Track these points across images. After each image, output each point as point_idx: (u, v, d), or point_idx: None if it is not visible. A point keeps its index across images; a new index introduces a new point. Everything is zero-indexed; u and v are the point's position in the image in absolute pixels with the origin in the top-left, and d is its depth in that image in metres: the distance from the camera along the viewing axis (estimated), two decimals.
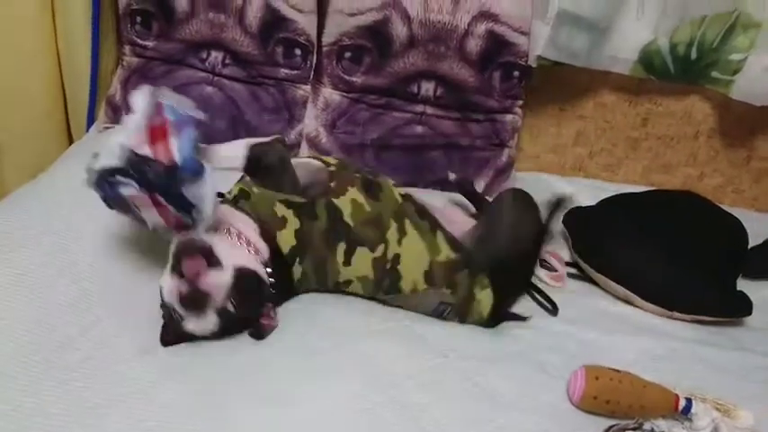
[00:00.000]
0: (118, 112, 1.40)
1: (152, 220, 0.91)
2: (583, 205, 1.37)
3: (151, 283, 1.02)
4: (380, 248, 1.01)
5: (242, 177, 1.06)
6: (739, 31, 1.33)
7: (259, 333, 0.96)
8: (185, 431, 0.83)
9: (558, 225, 1.21)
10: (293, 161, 1.08)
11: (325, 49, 1.35)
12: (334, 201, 1.01)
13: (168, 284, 0.89)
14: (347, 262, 1.01)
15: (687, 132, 1.50)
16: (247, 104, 1.38)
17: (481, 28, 1.32)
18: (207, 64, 1.38)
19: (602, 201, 1.37)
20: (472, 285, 1.03)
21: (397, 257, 1.01)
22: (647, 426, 0.90)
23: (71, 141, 1.51)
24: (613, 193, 1.40)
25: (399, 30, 1.31)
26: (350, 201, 1.02)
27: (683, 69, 1.39)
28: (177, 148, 0.88)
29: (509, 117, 1.43)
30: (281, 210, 0.99)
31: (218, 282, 0.89)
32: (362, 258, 1.01)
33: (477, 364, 0.98)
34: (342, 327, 1.01)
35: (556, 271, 1.23)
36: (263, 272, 0.96)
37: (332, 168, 1.07)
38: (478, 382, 0.96)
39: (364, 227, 1.01)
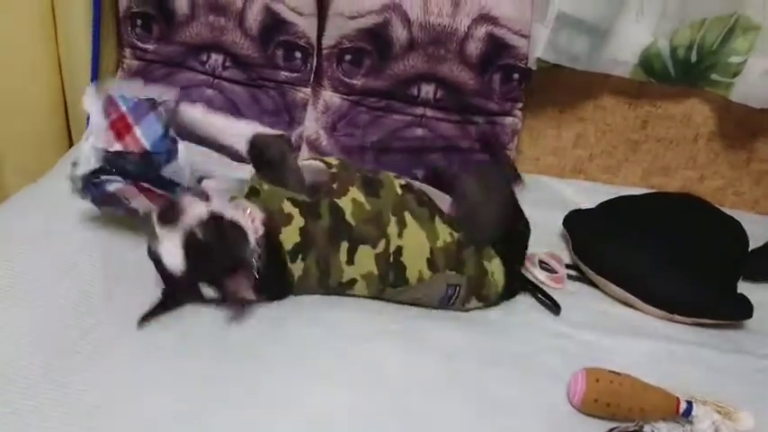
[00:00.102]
0: None
1: (142, 206, 0.97)
2: (583, 208, 1.37)
3: (152, 286, 1.03)
4: (382, 244, 1.03)
5: (252, 175, 1.08)
6: (738, 34, 1.33)
7: (225, 298, 0.95)
8: None
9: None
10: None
11: (325, 51, 1.35)
12: (337, 201, 1.03)
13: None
14: (350, 261, 1.02)
15: (687, 135, 1.50)
16: (247, 107, 1.39)
17: (481, 31, 1.32)
18: (207, 67, 1.39)
19: (602, 203, 1.37)
20: (480, 259, 1.06)
21: (399, 250, 1.03)
22: (647, 428, 0.90)
23: (71, 145, 1.51)
24: (613, 196, 1.40)
25: (399, 32, 1.32)
26: (351, 200, 1.03)
27: (683, 72, 1.39)
28: (143, 135, 0.94)
29: (509, 119, 1.43)
30: (287, 207, 1.02)
31: (197, 207, 0.93)
32: (365, 256, 1.02)
33: (479, 366, 0.98)
34: (343, 330, 1.01)
35: (556, 273, 1.23)
36: (253, 237, 0.96)
37: (333, 170, 1.08)
38: (480, 385, 0.95)
39: (365, 225, 1.03)
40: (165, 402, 0.86)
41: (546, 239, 1.32)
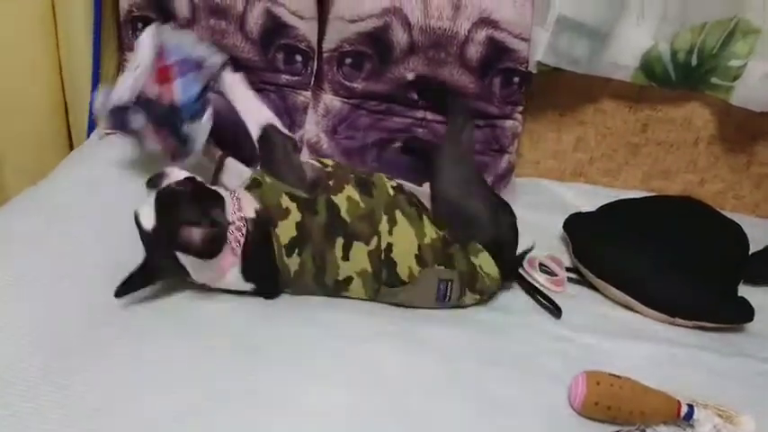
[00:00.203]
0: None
1: (152, 147, 1.08)
2: (583, 211, 1.37)
3: (155, 289, 1.03)
4: (374, 241, 1.05)
5: (256, 168, 1.12)
6: (738, 38, 1.33)
7: (174, 238, 0.96)
8: None
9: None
10: None
11: (325, 55, 1.35)
12: (333, 198, 1.06)
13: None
14: (345, 257, 1.04)
15: (687, 138, 1.50)
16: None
17: (481, 34, 1.32)
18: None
19: (602, 206, 1.37)
20: (467, 255, 1.07)
21: (389, 246, 1.05)
22: None
23: (71, 147, 1.51)
24: (614, 199, 1.40)
25: (400, 36, 1.32)
26: (346, 198, 1.06)
27: (683, 76, 1.39)
28: (180, 90, 1.01)
29: (509, 123, 1.43)
30: (285, 201, 1.04)
31: (180, 173, 1.00)
32: (359, 252, 1.04)
33: (479, 368, 0.98)
34: (341, 330, 1.01)
35: (556, 276, 1.23)
36: (230, 208, 1.00)
37: (329, 169, 1.12)
38: (479, 387, 0.95)
39: (359, 222, 1.05)
40: (164, 403, 0.86)
41: (546, 242, 1.32)
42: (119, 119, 1.06)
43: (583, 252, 1.26)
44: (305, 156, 1.40)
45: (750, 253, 1.31)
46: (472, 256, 1.08)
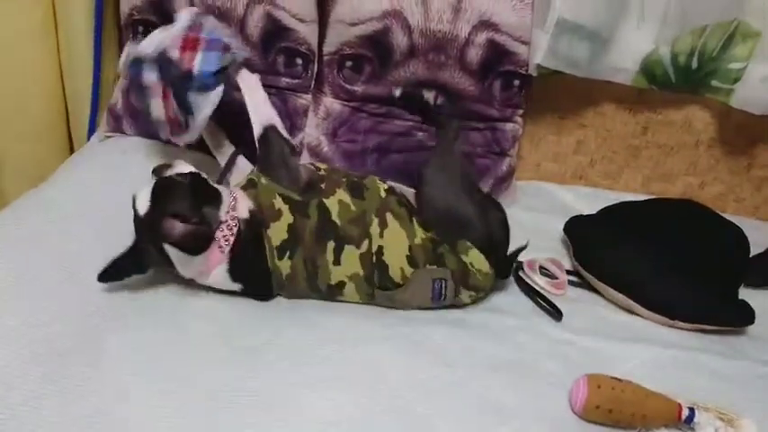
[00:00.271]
0: (119, 121, 1.40)
1: (156, 111, 1.11)
2: (584, 214, 1.37)
3: (154, 292, 1.03)
4: (365, 244, 1.05)
5: (253, 169, 1.13)
6: (738, 41, 1.33)
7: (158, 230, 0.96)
8: None
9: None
10: None
11: (326, 58, 1.35)
12: (325, 201, 1.06)
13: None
14: (337, 261, 1.04)
15: (687, 141, 1.50)
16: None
17: (481, 37, 1.32)
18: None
19: (602, 209, 1.37)
20: (457, 255, 1.07)
21: (380, 249, 1.05)
22: None
23: (72, 151, 1.52)
24: (614, 202, 1.40)
25: (400, 39, 1.32)
26: (337, 201, 1.07)
27: (683, 79, 1.39)
28: (199, 61, 1.07)
29: (509, 126, 1.43)
30: (278, 203, 1.05)
31: (185, 167, 1.04)
32: (350, 256, 1.04)
33: (479, 371, 0.98)
34: (342, 333, 1.01)
35: (557, 279, 1.23)
36: (225, 207, 1.01)
37: (322, 173, 1.13)
38: (480, 391, 0.95)
39: (350, 225, 1.05)
40: (164, 406, 0.85)
41: (547, 245, 1.33)
42: (135, 71, 1.10)
43: (583, 255, 1.26)
44: (305, 159, 1.40)
45: (751, 256, 1.30)
46: (462, 254, 1.08)
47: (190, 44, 1.09)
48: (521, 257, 1.23)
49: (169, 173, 1.02)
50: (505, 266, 1.15)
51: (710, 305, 1.17)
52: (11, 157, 1.46)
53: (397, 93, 1.33)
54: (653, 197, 1.49)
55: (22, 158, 1.46)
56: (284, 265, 1.03)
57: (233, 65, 1.13)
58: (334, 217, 1.05)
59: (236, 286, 1.04)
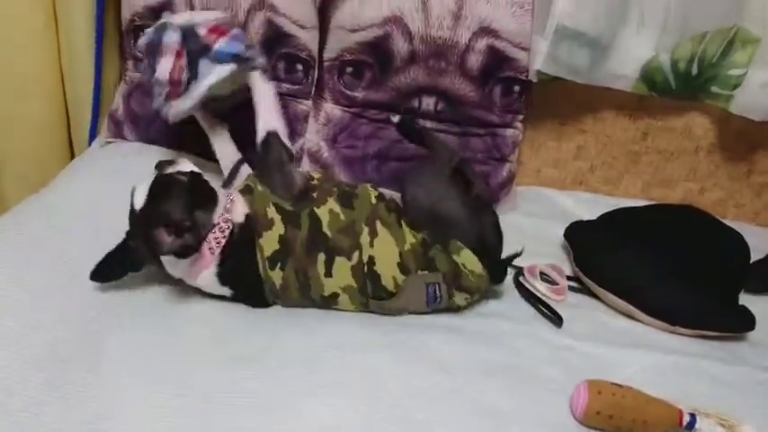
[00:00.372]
0: (120, 127, 1.41)
1: (162, 69, 1.13)
2: (584, 219, 1.37)
3: (154, 297, 1.03)
4: (356, 255, 1.04)
5: (249, 174, 1.14)
6: (738, 47, 1.34)
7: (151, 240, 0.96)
8: None
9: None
10: None
11: (326, 64, 1.36)
12: (316, 210, 1.06)
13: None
14: (328, 273, 1.03)
15: (687, 147, 1.50)
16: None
17: (482, 43, 1.33)
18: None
19: (603, 215, 1.37)
20: (449, 255, 1.06)
21: (371, 259, 1.04)
22: None
23: (73, 156, 1.52)
24: (614, 208, 1.40)
25: (400, 45, 1.32)
26: (328, 211, 1.06)
27: (684, 85, 1.39)
28: (222, 42, 1.13)
29: (509, 131, 1.43)
30: (271, 212, 1.04)
31: (188, 165, 1.04)
32: (342, 268, 1.04)
33: (478, 377, 0.98)
34: (342, 341, 1.01)
35: (557, 284, 1.23)
36: (219, 210, 1.01)
37: (315, 182, 1.12)
38: (480, 397, 0.95)
39: (340, 235, 1.05)
40: (165, 411, 0.85)
41: (547, 251, 1.32)
42: (157, 33, 1.15)
43: (584, 260, 1.26)
44: (306, 165, 1.40)
45: (751, 262, 1.30)
46: (454, 254, 1.06)
47: (218, 30, 1.15)
48: (521, 263, 1.23)
49: (171, 170, 1.02)
50: (499, 271, 1.13)
51: (711, 311, 1.17)
52: (12, 162, 1.46)
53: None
54: (653, 203, 1.49)
55: (23, 164, 1.46)
56: (276, 276, 1.03)
57: (251, 62, 1.16)
58: (325, 228, 1.04)
59: (226, 291, 1.03)
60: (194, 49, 1.13)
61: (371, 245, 1.05)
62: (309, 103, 1.40)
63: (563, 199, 1.52)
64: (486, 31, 1.32)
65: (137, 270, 1.02)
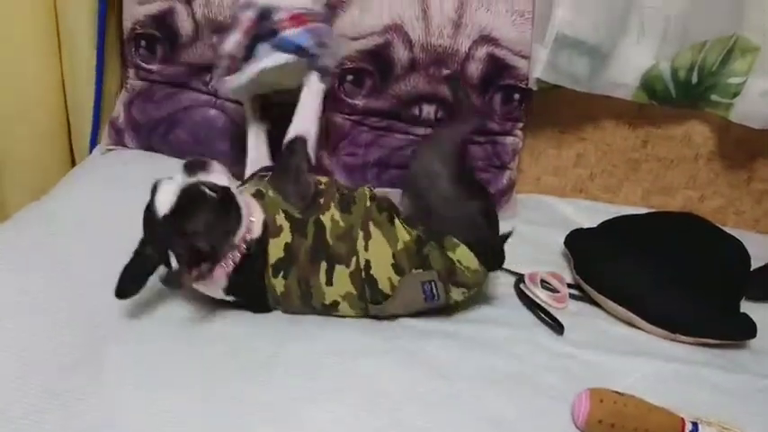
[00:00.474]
0: (121, 134, 1.41)
1: (229, 43, 1.14)
2: (584, 227, 1.37)
3: (155, 305, 1.03)
4: (353, 262, 1.03)
5: (263, 177, 1.12)
6: (737, 55, 1.34)
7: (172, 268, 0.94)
8: None
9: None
10: None
11: None
12: (321, 217, 1.05)
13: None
14: (329, 281, 1.03)
15: (687, 155, 1.51)
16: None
17: (482, 51, 1.33)
18: (210, 87, 1.40)
19: (603, 222, 1.37)
20: (444, 252, 1.04)
21: (367, 263, 1.03)
22: None
23: (74, 163, 1.52)
24: (614, 215, 1.40)
25: (401, 53, 1.33)
26: (330, 218, 1.05)
27: (684, 93, 1.40)
28: (292, 32, 1.10)
29: (510, 139, 1.44)
30: (280, 219, 1.03)
31: (221, 176, 0.99)
32: (341, 276, 1.03)
33: (479, 385, 0.98)
34: (342, 347, 1.00)
35: (558, 292, 1.23)
36: (242, 229, 0.98)
37: (322, 186, 1.11)
38: (480, 404, 0.95)
39: (339, 242, 1.04)
40: (165, 419, 0.85)
41: (547, 258, 1.33)
42: (240, 7, 1.15)
43: (584, 268, 1.25)
44: None
45: (751, 269, 1.30)
46: (449, 251, 1.05)
47: (299, 19, 1.11)
48: (521, 270, 1.24)
49: (202, 176, 0.97)
50: (492, 257, 1.10)
51: (711, 319, 1.17)
52: (13, 169, 1.46)
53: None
54: (653, 210, 1.49)
55: (24, 171, 1.46)
56: (278, 284, 1.02)
57: (313, 59, 1.12)
58: (328, 236, 1.04)
59: (229, 298, 1.03)
60: (262, 30, 1.11)
61: (366, 248, 1.04)
62: None
63: (563, 206, 1.52)
64: (486, 39, 1.33)
65: (151, 274, 0.99)
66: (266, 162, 1.29)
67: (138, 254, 0.98)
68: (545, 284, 1.24)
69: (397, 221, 1.07)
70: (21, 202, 1.27)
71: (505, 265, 1.13)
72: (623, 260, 1.23)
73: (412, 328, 1.08)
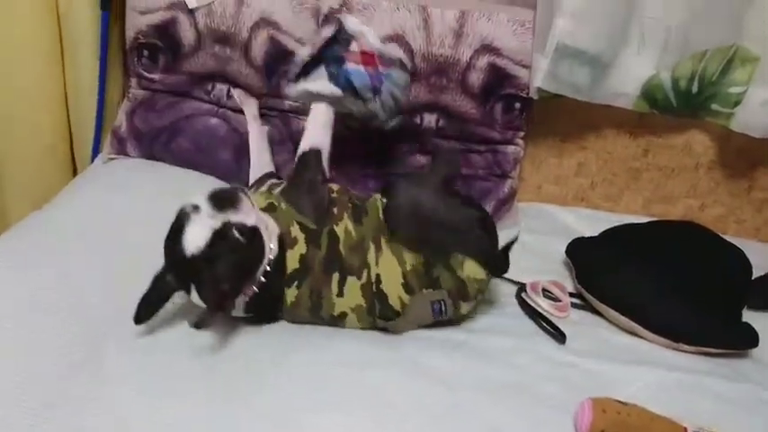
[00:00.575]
0: (123, 143, 1.41)
1: (304, 51, 1.18)
2: (585, 236, 1.37)
3: (159, 314, 1.02)
4: (365, 274, 1.03)
5: (274, 185, 1.13)
6: (737, 65, 1.35)
7: (208, 303, 0.94)
8: None
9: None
10: None
11: None
12: (335, 228, 1.05)
13: None
14: (340, 293, 1.03)
15: (687, 164, 1.51)
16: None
17: (483, 61, 1.34)
18: (212, 96, 1.40)
19: (604, 231, 1.37)
20: (454, 272, 1.04)
21: (378, 278, 1.04)
22: None
23: (76, 172, 1.52)
24: (615, 224, 1.40)
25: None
26: (344, 229, 1.05)
27: (684, 103, 1.40)
28: (353, 68, 1.13)
29: (511, 148, 1.44)
30: (295, 230, 1.03)
31: (249, 214, 0.97)
32: (353, 288, 1.03)
33: (483, 395, 0.98)
34: (349, 358, 1.01)
35: (559, 301, 1.23)
36: (267, 258, 0.99)
37: (334, 195, 1.11)
38: (484, 414, 0.95)
39: (351, 254, 1.04)
40: (170, 428, 0.85)
41: (549, 267, 1.33)
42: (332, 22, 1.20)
43: (586, 277, 1.25)
44: None
45: (753, 278, 1.30)
46: (458, 270, 1.05)
47: (366, 57, 1.14)
48: (524, 279, 1.24)
49: (232, 215, 0.94)
50: (496, 263, 1.10)
51: (713, 328, 1.17)
52: (15, 178, 1.46)
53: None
54: (654, 219, 1.49)
55: (26, 180, 1.46)
56: (290, 294, 1.02)
57: (363, 102, 1.15)
58: (341, 246, 1.04)
59: (246, 315, 1.03)
60: (331, 52, 1.14)
61: (377, 263, 1.04)
62: None
63: (564, 215, 1.52)
64: (487, 48, 1.33)
65: (169, 299, 1.00)
66: (270, 167, 1.29)
67: (158, 280, 0.98)
68: (547, 293, 1.24)
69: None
70: (23, 211, 1.27)
71: (507, 275, 1.14)
72: (625, 269, 1.23)
73: (416, 339, 1.08)
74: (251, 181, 1.25)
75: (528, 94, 1.37)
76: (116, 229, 1.15)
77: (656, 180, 1.53)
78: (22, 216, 1.22)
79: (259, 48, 1.34)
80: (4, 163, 1.45)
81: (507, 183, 1.45)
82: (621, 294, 1.19)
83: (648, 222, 1.45)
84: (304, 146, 1.12)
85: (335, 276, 1.03)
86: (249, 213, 0.97)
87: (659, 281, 1.20)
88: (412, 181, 1.15)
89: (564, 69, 1.32)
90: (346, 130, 1.22)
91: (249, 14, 1.33)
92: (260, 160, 1.31)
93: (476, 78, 1.35)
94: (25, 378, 0.88)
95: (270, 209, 1.06)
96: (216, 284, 0.93)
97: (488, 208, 1.41)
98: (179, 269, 0.96)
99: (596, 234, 1.37)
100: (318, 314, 1.04)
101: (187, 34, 1.35)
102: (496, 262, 1.10)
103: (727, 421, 0.97)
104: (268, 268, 0.99)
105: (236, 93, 1.38)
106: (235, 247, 0.93)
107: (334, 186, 1.14)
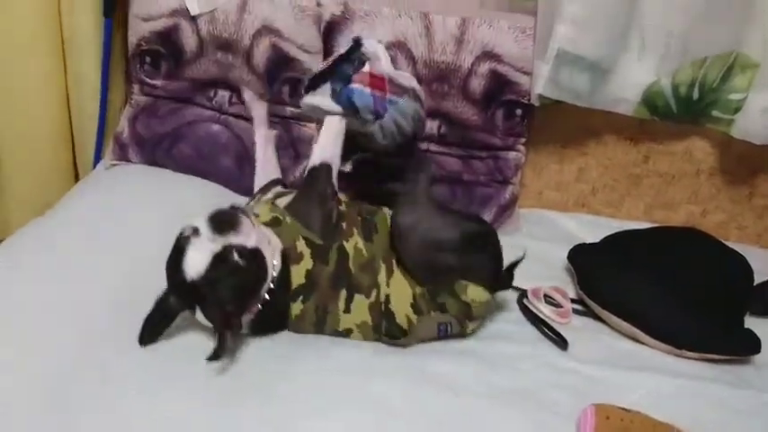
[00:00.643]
0: (125, 149, 1.41)
1: (321, 64, 1.21)
2: (587, 242, 1.37)
3: None
4: (374, 294, 1.03)
5: (279, 195, 1.13)
6: (737, 72, 1.35)
7: (215, 325, 0.93)
8: None
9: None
10: None
11: None
12: (345, 244, 1.04)
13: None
14: (347, 310, 1.03)
15: (688, 170, 1.51)
16: (253, 142, 1.40)
17: (484, 67, 1.34)
18: (214, 102, 1.41)
19: (606, 237, 1.37)
20: (459, 298, 1.05)
21: (387, 298, 1.04)
22: None
23: (77, 178, 1.52)
24: (616, 230, 1.40)
25: (404, 70, 1.33)
26: (354, 246, 1.05)
27: (685, 109, 1.40)
28: (361, 88, 1.12)
29: (512, 154, 1.44)
30: (301, 245, 1.03)
31: (249, 235, 0.96)
32: (360, 306, 1.03)
33: (486, 401, 0.97)
34: (350, 365, 1.00)
35: (561, 307, 1.23)
36: (270, 276, 0.98)
37: (342, 207, 1.10)
38: (488, 421, 0.94)
39: (362, 273, 1.04)
40: (170, 428, 0.85)
41: (551, 273, 1.32)
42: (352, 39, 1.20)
43: (587, 283, 1.25)
44: None
45: (754, 284, 1.30)
46: (462, 295, 1.05)
47: (375, 80, 1.14)
48: (525, 285, 1.23)
49: (233, 238, 0.93)
50: (501, 285, 1.12)
51: (715, 334, 1.17)
52: (16, 184, 1.47)
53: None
54: (656, 225, 1.49)
55: (28, 186, 1.46)
56: (295, 308, 1.02)
57: (365, 123, 1.14)
58: (350, 264, 1.04)
59: (251, 334, 1.03)
60: (341, 69, 1.15)
61: (388, 284, 1.04)
62: (314, 125, 1.40)
63: (565, 221, 1.52)
64: (488, 55, 1.34)
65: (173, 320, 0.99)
66: (276, 173, 1.29)
67: (162, 302, 0.97)
68: (548, 299, 1.24)
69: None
70: (25, 217, 1.27)
71: None
72: (626, 275, 1.23)
73: (420, 346, 1.08)
74: (256, 187, 1.24)
75: (529, 100, 1.38)
76: (118, 234, 1.15)
77: (656, 186, 1.53)
78: (24, 222, 1.22)
79: (261, 55, 1.35)
80: (5, 169, 1.45)
81: (508, 189, 1.45)
82: (623, 300, 1.19)
83: (650, 228, 1.45)
84: (314, 160, 1.11)
85: (343, 293, 1.02)
86: (249, 234, 0.96)
87: (661, 287, 1.20)
88: (407, 205, 1.10)
89: (564, 76, 1.32)
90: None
91: (251, 21, 1.33)
92: (266, 166, 1.31)
93: (477, 85, 1.36)
94: (25, 378, 0.88)
95: (274, 223, 1.05)
96: (220, 307, 0.93)
97: (490, 214, 1.42)
98: (181, 292, 0.95)
99: (598, 240, 1.37)
100: (322, 329, 1.04)
101: (189, 41, 1.36)
102: (500, 284, 1.11)
103: (730, 427, 0.97)
104: (272, 285, 0.99)
105: (246, 95, 1.38)
106: (236, 270, 0.93)
107: (343, 198, 1.14)
